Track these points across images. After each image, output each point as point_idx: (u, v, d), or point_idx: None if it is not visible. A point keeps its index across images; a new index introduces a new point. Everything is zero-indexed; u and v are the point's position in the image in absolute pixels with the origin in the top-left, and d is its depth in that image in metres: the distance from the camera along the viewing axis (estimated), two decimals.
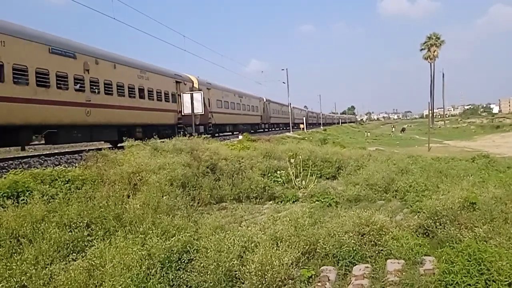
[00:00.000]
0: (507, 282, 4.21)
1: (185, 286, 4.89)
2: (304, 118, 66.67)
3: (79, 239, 5.90)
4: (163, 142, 12.93)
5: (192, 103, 19.91)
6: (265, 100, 54.01)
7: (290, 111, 58.59)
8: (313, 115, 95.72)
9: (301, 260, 5.43)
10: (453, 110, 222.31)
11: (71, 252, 5.64)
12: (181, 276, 4.99)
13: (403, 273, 4.97)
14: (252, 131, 42.02)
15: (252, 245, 5.57)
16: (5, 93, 12.63)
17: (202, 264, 5.10)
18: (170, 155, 11.01)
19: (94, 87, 17.06)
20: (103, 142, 19.90)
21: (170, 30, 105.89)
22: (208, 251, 5.32)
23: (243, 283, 4.91)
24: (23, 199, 7.03)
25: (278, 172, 11.99)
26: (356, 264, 5.41)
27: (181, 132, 21.13)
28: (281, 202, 9.86)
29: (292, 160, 11.69)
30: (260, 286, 4.74)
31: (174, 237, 5.69)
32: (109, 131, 18.51)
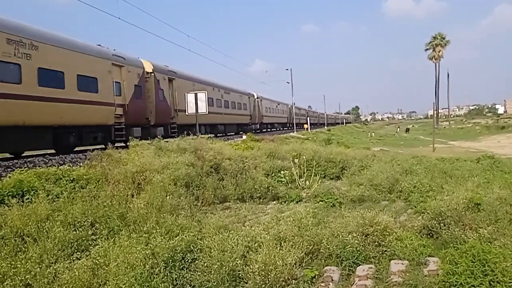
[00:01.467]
0: None
1: (188, 286, 4.90)
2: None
3: (83, 238, 5.93)
4: (167, 141, 12.96)
5: (196, 103, 19.89)
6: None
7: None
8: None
9: (304, 260, 5.42)
10: (458, 110, 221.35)
11: (76, 251, 5.68)
12: (185, 276, 5.00)
13: (407, 274, 4.95)
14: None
15: (256, 245, 5.57)
16: None
17: (205, 264, 5.11)
18: (174, 155, 11.03)
19: None
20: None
21: (175, 29, 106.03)
22: (212, 251, 5.32)
23: (246, 283, 4.91)
24: (28, 198, 7.07)
25: (282, 172, 11.98)
26: (359, 265, 5.40)
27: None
28: (285, 202, 9.85)
29: (296, 160, 11.68)
30: (263, 286, 4.74)
31: (177, 237, 5.71)
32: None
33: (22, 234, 5.89)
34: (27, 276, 4.77)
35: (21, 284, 4.72)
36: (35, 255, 5.26)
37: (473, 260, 4.49)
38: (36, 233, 5.88)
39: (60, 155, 13.77)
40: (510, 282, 4.19)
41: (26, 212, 6.35)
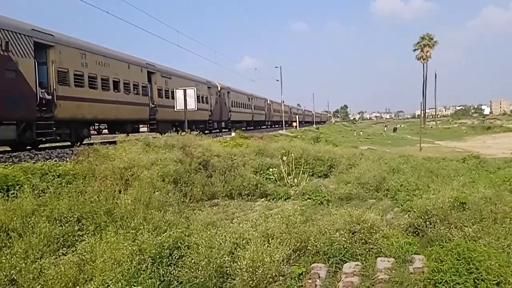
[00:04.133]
0: (496, 281, 4.25)
1: (175, 282, 4.88)
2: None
3: (69, 234, 5.86)
4: (155, 138, 12.88)
5: (185, 99, 19.82)
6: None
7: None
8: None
9: (292, 257, 5.44)
10: (445, 110, 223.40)
11: (62, 246, 5.61)
12: (172, 272, 4.98)
13: (393, 271, 5.00)
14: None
15: (244, 241, 5.57)
16: None
17: (193, 260, 5.10)
18: (162, 151, 10.98)
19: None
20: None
21: (164, 25, 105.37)
22: (199, 247, 5.31)
23: (234, 280, 4.91)
24: (13, 193, 6.96)
25: (271, 169, 12.00)
26: (346, 262, 5.43)
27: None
28: (273, 199, 9.87)
29: (284, 158, 11.70)
30: (251, 282, 4.75)
31: (165, 233, 5.69)
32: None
33: (7, 229, 5.80)
34: (12, 272, 4.70)
35: (6, 280, 4.66)
36: (20, 250, 5.19)
37: (458, 258, 4.55)
38: (21, 228, 5.80)
39: (46, 150, 13.67)
40: (494, 280, 4.25)
41: (11, 207, 6.25)
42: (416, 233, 6.54)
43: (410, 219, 6.92)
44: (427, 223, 6.49)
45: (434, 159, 17.20)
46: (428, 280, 4.54)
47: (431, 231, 6.27)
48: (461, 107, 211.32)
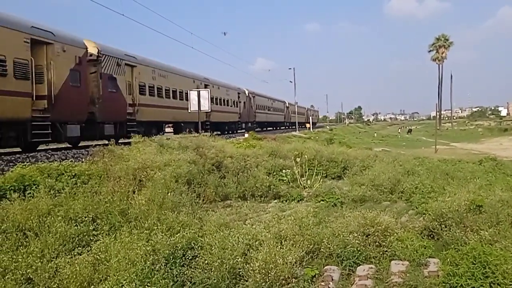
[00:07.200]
0: None
1: (189, 283, 4.91)
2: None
3: (84, 234, 5.94)
4: (168, 139, 12.97)
5: (199, 101, 19.88)
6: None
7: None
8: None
9: (305, 259, 5.43)
10: (461, 112, 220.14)
11: (77, 246, 5.68)
12: (185, 272, 5.01)
13: (407, 275, 4.96)
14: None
15: (257, 243, 5.57)
16: None
17: (206, 261, 5.12)
18: (176, 152, 11.03)
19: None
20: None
21: (178, 27, 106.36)
22: (213, 248, 5.33)
23: (246, 281, 4.92)
24: (30, 193, 7.07)
25: (284, 171, 11.97)
26: (360, 265, 5.40)
27: None
28: (286, 201, 9.84)
29: (297, 159, 11.66)
30: (263, 284, 4.75)
31: (178, 234, 5.72)
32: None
33: (23, 228, 5.90)
34: (28, 271, 4.78)
35: (22, 278, 4.74)
36: (36, 249, 5.28)
37: (474, 262, 4.49)
38: (37, 228, 5.89)
39: (63, 151, 13.89)
40: (511, 284, 4.19)
41: (27, 207, 6.35)
42: (431, 236, 6.48)
43: (425, 222, 6.85)
44: (443, 226, 6.42)
45: (449, 161, 16.95)
46: (443, 284, 4.50)
47: (446, 234, 6.20)
48: (478, 108, 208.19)
